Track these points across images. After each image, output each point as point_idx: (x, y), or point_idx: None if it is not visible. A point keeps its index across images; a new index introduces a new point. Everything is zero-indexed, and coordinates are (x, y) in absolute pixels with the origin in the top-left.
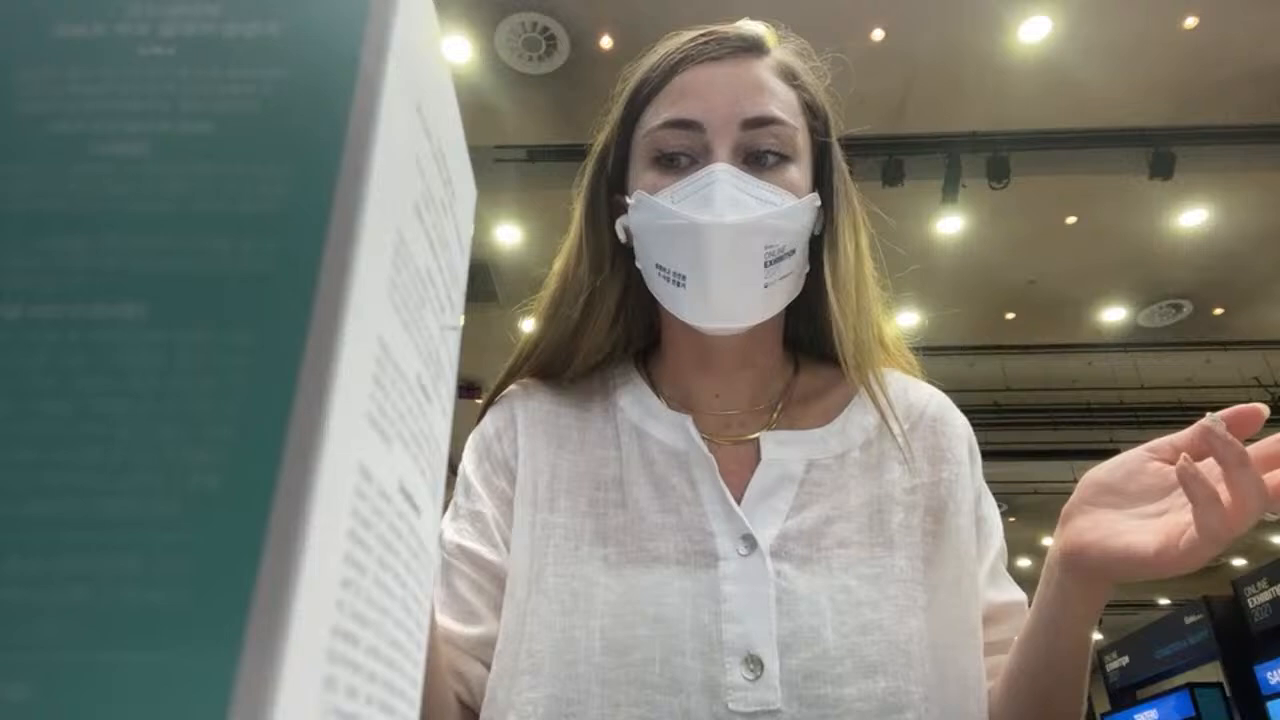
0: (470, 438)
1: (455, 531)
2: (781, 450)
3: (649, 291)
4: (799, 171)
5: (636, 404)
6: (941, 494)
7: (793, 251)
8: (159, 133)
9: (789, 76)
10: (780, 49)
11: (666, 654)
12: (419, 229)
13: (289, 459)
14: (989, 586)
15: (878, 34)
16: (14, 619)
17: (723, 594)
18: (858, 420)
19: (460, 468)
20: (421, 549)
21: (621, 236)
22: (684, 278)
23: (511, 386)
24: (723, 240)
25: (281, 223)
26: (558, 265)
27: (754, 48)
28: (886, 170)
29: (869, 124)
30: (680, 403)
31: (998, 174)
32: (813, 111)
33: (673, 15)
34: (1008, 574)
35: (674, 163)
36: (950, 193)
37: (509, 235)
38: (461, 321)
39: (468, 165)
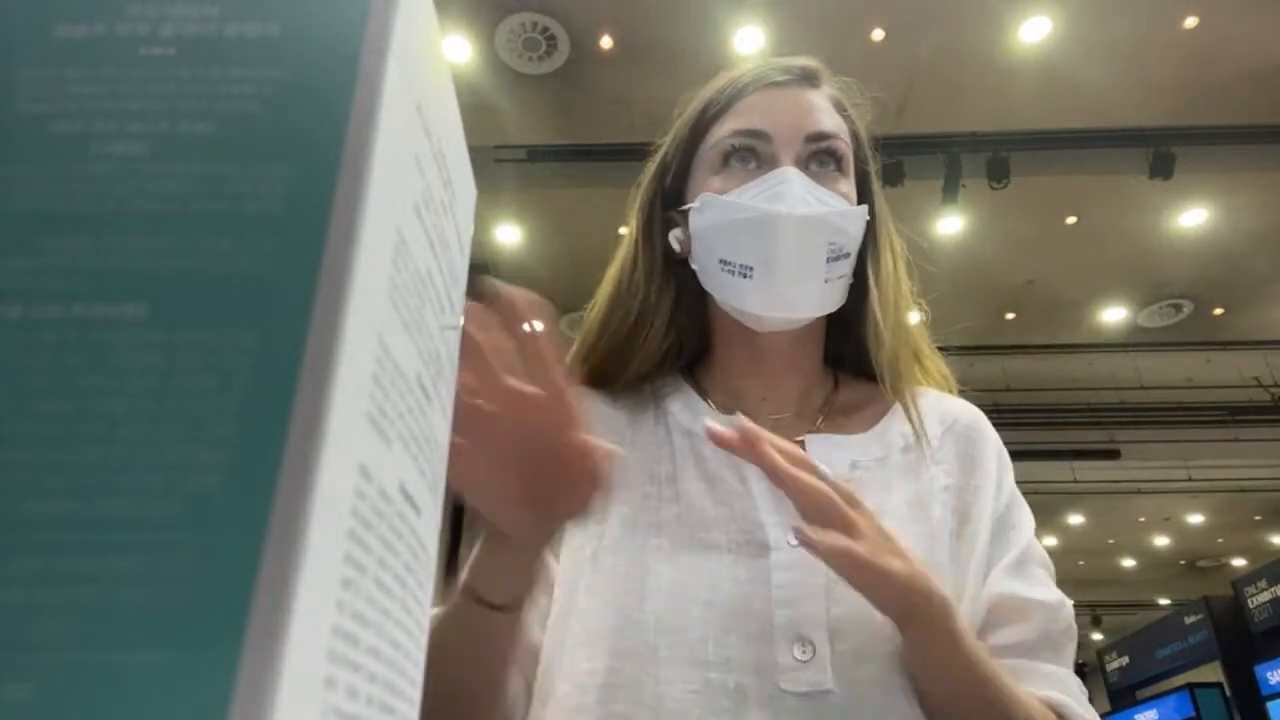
0: None
1: None
2: (826, 450)
3: (698, 303)
4: (848, 186)
5: (686, 409)
6: (968, 499)
7: (849, 254)
8: (159, 133)
9: (840, 107)
10: (830, 84)
11: (719, 634)
12: (419, 229)
13: (289, 459)
14: (1010, 577)
15: (878, 34)
16: (15, 619)
17: (774, 580)
18: (896, 428)
19: None
20: (421, 549)
21: (676, 247)
22: (751, 269)
23: None
24: (793, 231)
25: (281, 223)
26: (611, 273)
27: (812, 78)
28: (886, 170)
29: (869, 124)
30: (729, 407)
31: (998, 174)
32: (857, 140)
33: (673, 16)
34: (1039, 578)
35: (743, 167)
36: (950, 193)
37: (509, 235)
38: (462, 321)
39: (468, 165)
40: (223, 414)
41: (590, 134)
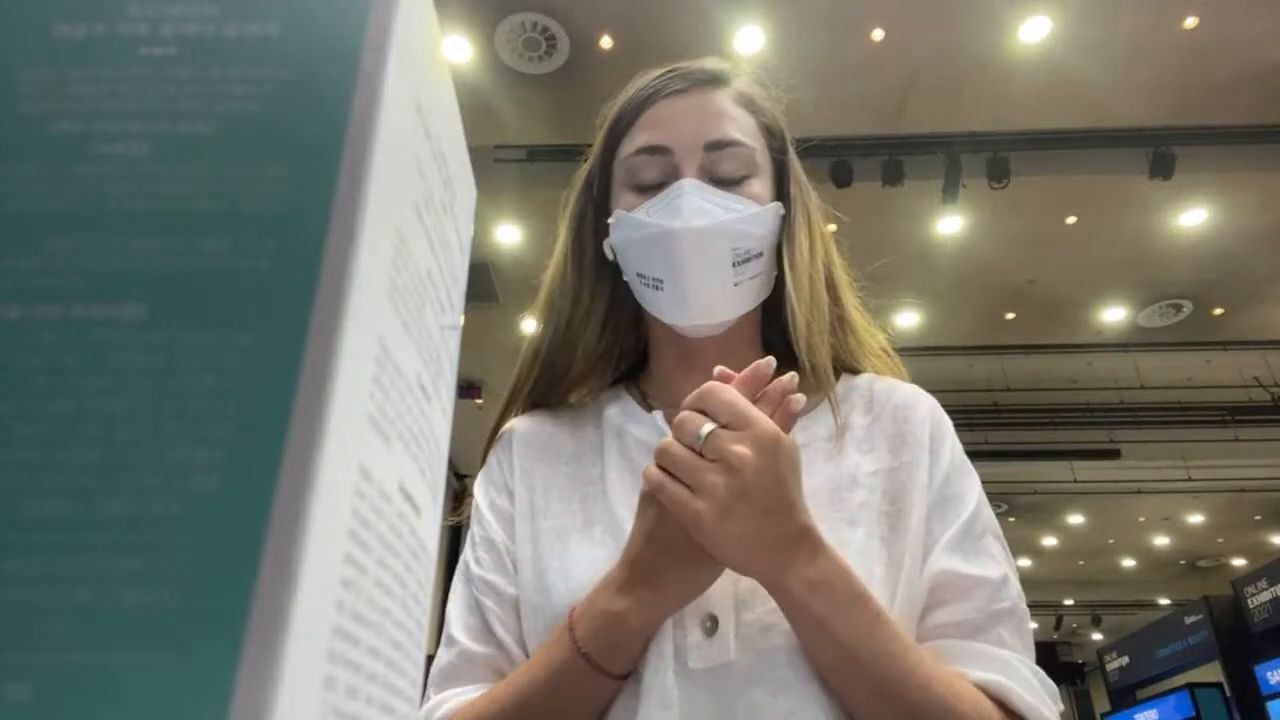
0: (480, 472)
1: (475, 562)
2: None
3: (633, 306)
4: (760, 185)
5: (620, 412)
6: (901, 478)
7: (760, 254)
8: (159, 133)
9: (747, 103)
10: (740, 80)
11: None
12: (419, 229)
13: (289, 459)
14: (952, 553)
15: (878, 34)
16: (14, 619)
17: None
18: (824, 419)
19: (473, 499)
20: (421, 549)
21: (610, 255)
22: (661, 281)
23: (511, 421)
24: (692, 243)
25: (281, 223)
26: (546, 277)
27: (715, 80)
28: (886, 170)
29: (869, 124)
30: (667, 404)
31: (998, 174)
32: (770, 132)
33: (673, 16)
34: (988, 549)
35: (648, 184)
36: (950, 193)
37: (509, 235)
38: (461, 321)
39: (468, 165)
40: (223, 414)
41: (591, 134)
